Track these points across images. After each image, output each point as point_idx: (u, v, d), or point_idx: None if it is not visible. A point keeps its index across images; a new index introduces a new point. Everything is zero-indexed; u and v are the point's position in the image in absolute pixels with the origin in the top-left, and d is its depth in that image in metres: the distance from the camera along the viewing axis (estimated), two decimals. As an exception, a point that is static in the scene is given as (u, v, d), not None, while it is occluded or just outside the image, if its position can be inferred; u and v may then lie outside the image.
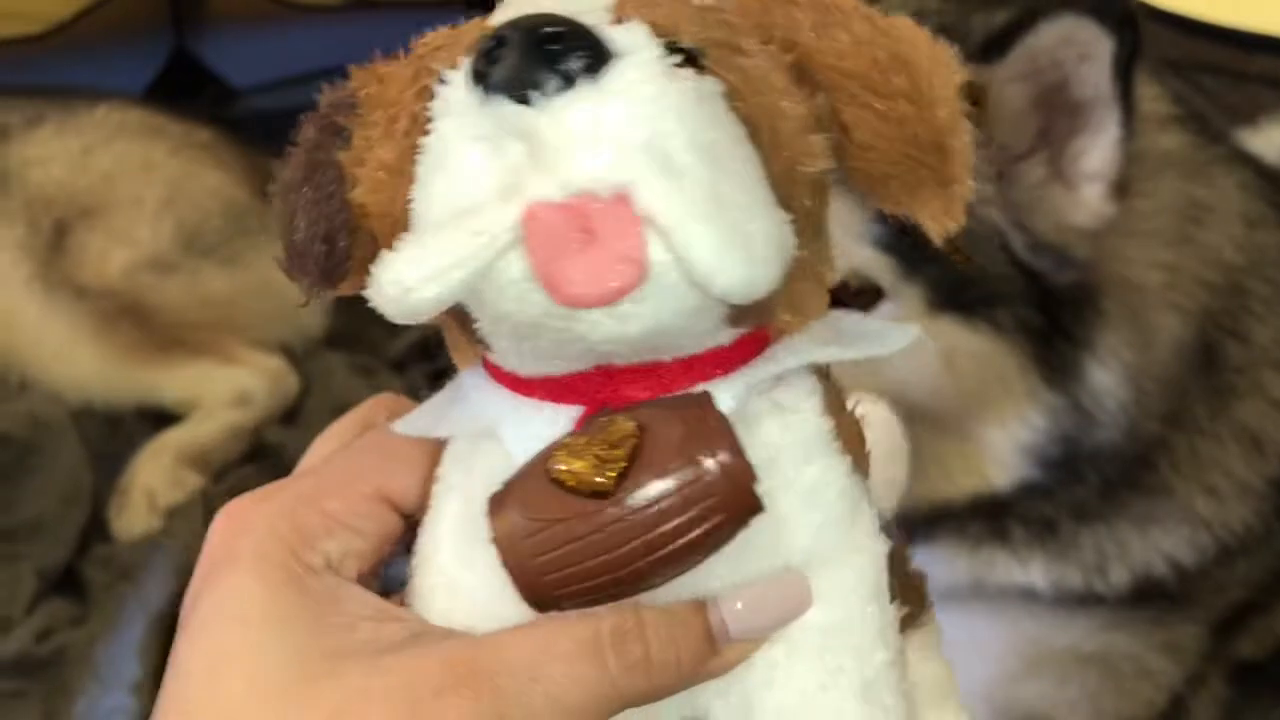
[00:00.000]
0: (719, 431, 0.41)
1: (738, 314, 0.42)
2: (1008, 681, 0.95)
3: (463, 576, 0.45)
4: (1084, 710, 0.96)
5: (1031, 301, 0.83)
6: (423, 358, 1.73)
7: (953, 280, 0.81)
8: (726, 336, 0.43)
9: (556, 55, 0.39)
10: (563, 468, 0.41)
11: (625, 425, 0.41)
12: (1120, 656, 0.94)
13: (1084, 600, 0.90)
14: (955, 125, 0.43)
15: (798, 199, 0.43)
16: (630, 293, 0.39)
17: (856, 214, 0.77)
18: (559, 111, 0.39)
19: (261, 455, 1.65)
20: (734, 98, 0.41)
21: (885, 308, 0.82)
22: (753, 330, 0.44)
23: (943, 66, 0.43)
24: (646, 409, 0.42)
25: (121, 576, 1.45)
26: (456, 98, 0.42)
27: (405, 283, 0.42)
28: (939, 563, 0.89)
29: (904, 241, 0.79)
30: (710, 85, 0.41)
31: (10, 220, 1.69)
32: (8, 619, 1.38)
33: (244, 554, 0.44)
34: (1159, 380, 0.86)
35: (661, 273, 0.39)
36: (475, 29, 0.44)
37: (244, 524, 0.45)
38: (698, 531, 0.40)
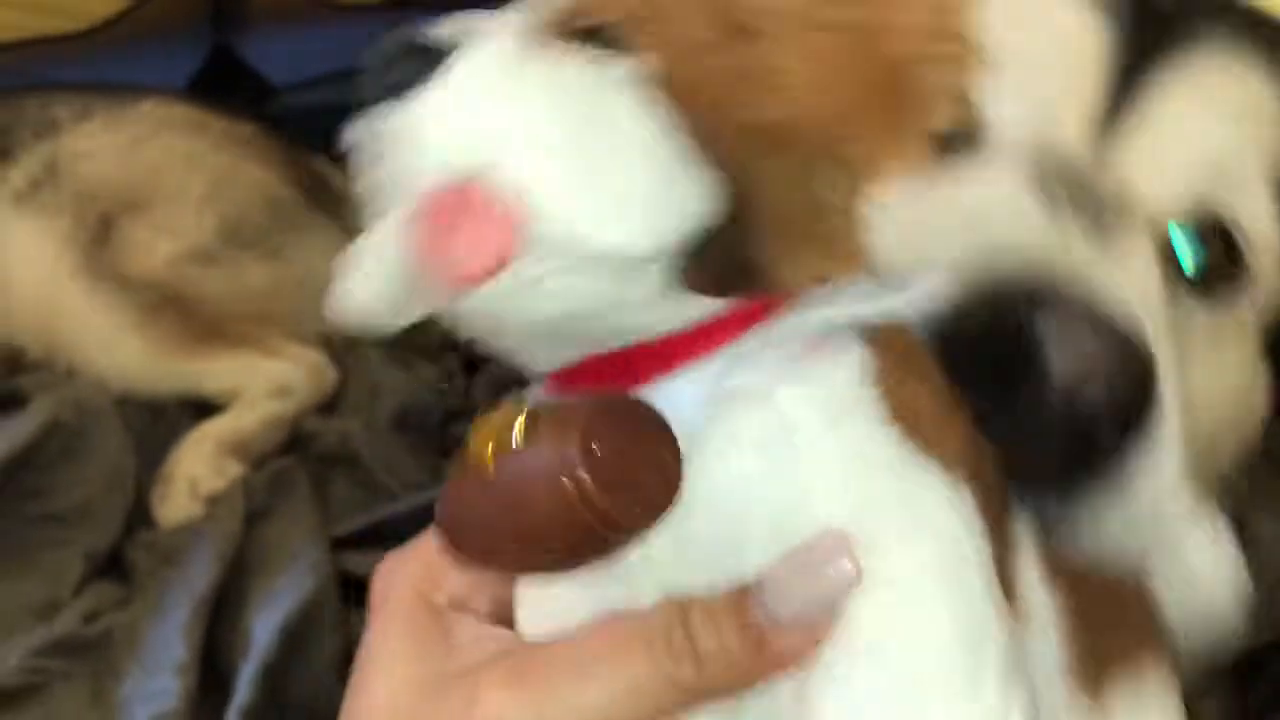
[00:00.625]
0: (584, 440, 0.40)
1: (694, 280, 0.41)
2: None
3: (530, 588, 0.49)
4: None
5: None
6: (457, 347, 1.75)
7: None
8: (696, 310, 0.43)
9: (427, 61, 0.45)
10: (469, 445, 0.45)
11: (516, 410, 0.43)
12: None
13: None
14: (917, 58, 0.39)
15: (749, 152, 0.41)
16: (511, 259, 0.41)
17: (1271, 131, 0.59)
18: (420, 108, 0.44)
19: (301, 445, 1.68)
20: (643, 68, 0.42)
21: None
22: (749, 300, 0.43)
23: None
24: (571, 401, 0.44)
25: (165, 561, 1.47)
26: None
27: (357, 307, 0.48)
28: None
29: None
30: (594, 63, 0.42)
31: (58, 212, 1.72)
32: (56, 601, 1.40)
33: (388, 600, 0.53)
34: None
35: (543, 240, 0.41)
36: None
37: (389, 575, 0.54)
38: (560, 525, 0.41)
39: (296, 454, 1.66)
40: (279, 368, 1.75)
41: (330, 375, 1.76)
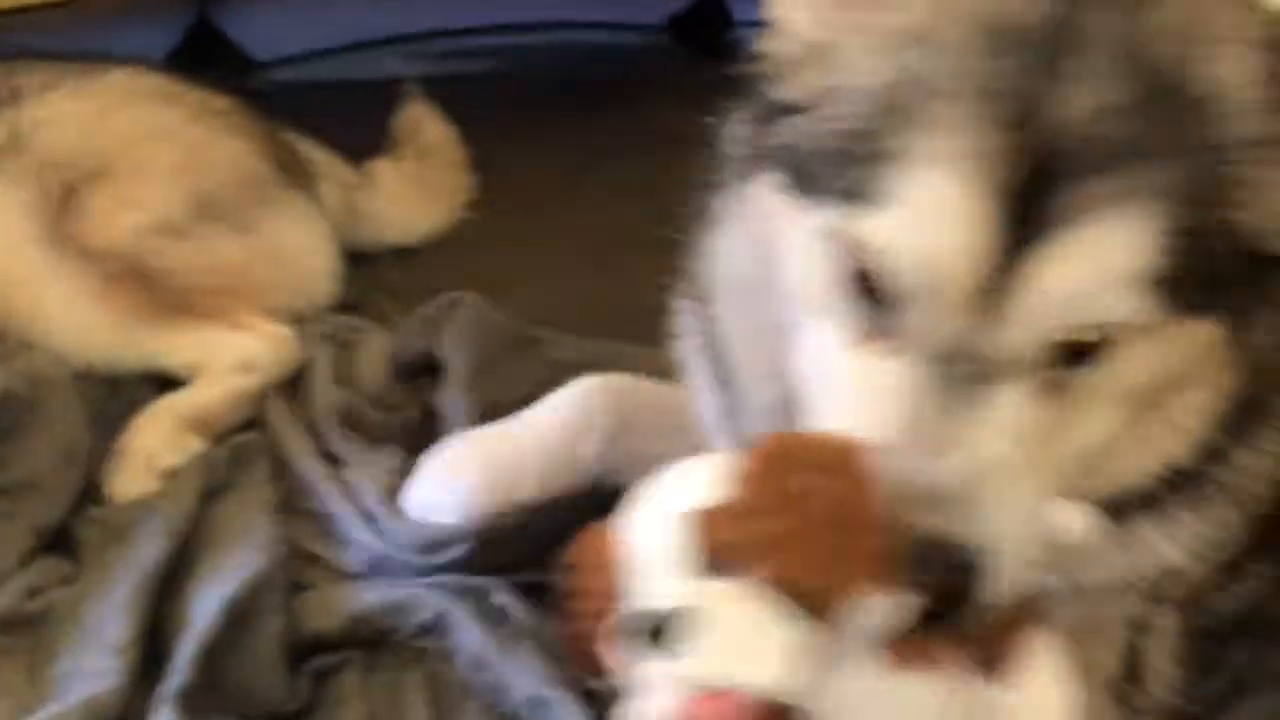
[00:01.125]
0: None
1: None
2: None
3: None
4: None
5: (1249, 279, 0.82)
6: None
7: (1194, 284, 0.79)
8: None
9: None
10: None
11: None
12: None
13: None
14: None
15: None
16: None
17: (1128, 254, 0.76)
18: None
19: (263, 421, 1.64)
20: None
21: (1129, 352, 0.82)
22: None
23: None
24: None
25: (114, 538, 1.43)
26: None
27: None
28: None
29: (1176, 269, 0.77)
30: None
31: (20, 181, 1.68)
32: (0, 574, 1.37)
33: None
34: None
35: None
36: None
37: None
38: None
39: (259, 430, 1.61)
40: (244, 342, 1.71)
41: (295, 350, 1.72)
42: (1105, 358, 0.80)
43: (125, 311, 1.66)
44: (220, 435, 1.61)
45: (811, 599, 0.70)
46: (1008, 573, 0.78)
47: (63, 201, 1.68)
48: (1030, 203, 0.75)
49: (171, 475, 1.53)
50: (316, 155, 1.97)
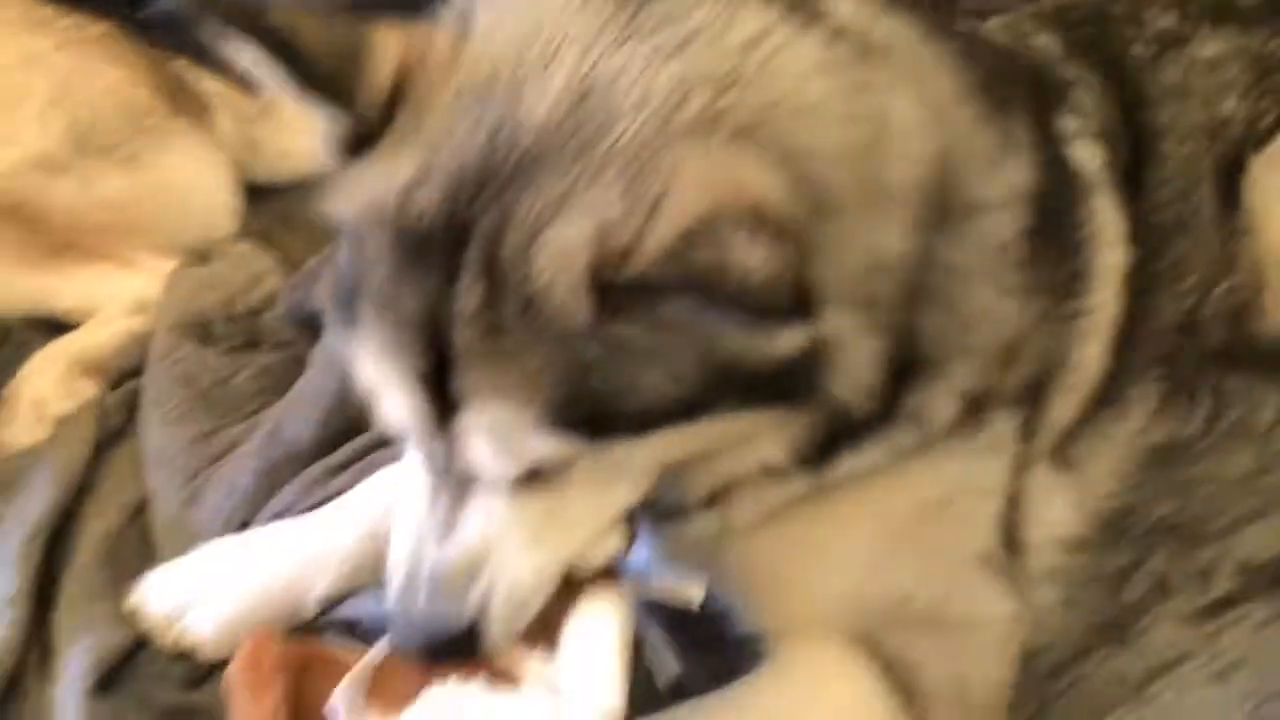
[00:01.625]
0: None
1: None
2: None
3: None
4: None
5: (739, 392, 0.88)
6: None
7: (656, 414, 0.87)
8: None
9: None
10: None
11: None
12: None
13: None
14: None
15: None
16: None
17: (527, 421, 0.85)
18: None
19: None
20: None
21: (586, 461, 0.90)
22: None
23: None
24: None
25: (2, 488, 1.37)
26: None
27: None
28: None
29: (582, 420, 0.86)
30: None
31: (-118, 117, 1.58)
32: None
33: None
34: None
35: None
36: None
37: None
38: None
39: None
40: (136, 282, 1.64)
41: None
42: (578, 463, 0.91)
43: (8, 254, 1.58)
44: (113, 379, 1.55)
45: None
46: (502, 627, 0.94)
47: (-71, 139, 1.58)
48: (444, 378, 0.86)
49: (63, 422, 1.47)
50: (211, 86, 1.87)
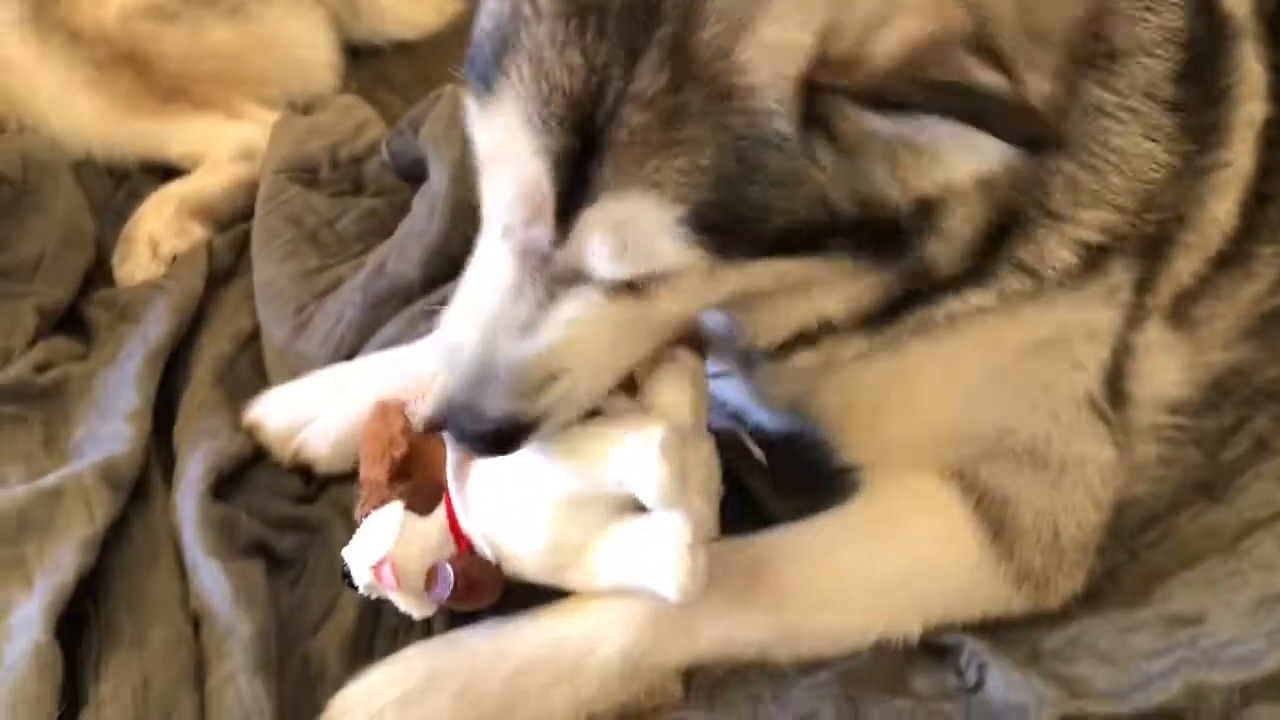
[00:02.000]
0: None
1: None
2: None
3: None
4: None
5: (853, 232, 0.88)
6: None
7: (777, 242, 0.86)
8: None
9: None
10: None
11: None
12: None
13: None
14: None
15: None
16: None
17: (666, 223, 0.83)
18: None
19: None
20: None
21: (690, 275, 0.89)
22: None
23: None
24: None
25: (123, 317, 1.43)
26: None
27: None
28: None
29: (716, 230, 0.84)
30: None
31: (0, -36, 1.62)
32: (7, 351, 1.37)
33: None
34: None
35: None
36: None
37: None
38: None
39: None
40: (244, 130, 1.68)
41: None
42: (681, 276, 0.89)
43: (119, 100, 1.63)
44: (223, 223, 1.59)
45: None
46: (561, 423, 0.94)
47: (47, -15, 1.63)
48: (585, 161, 0.83)
49: (176, 260, 1.52)
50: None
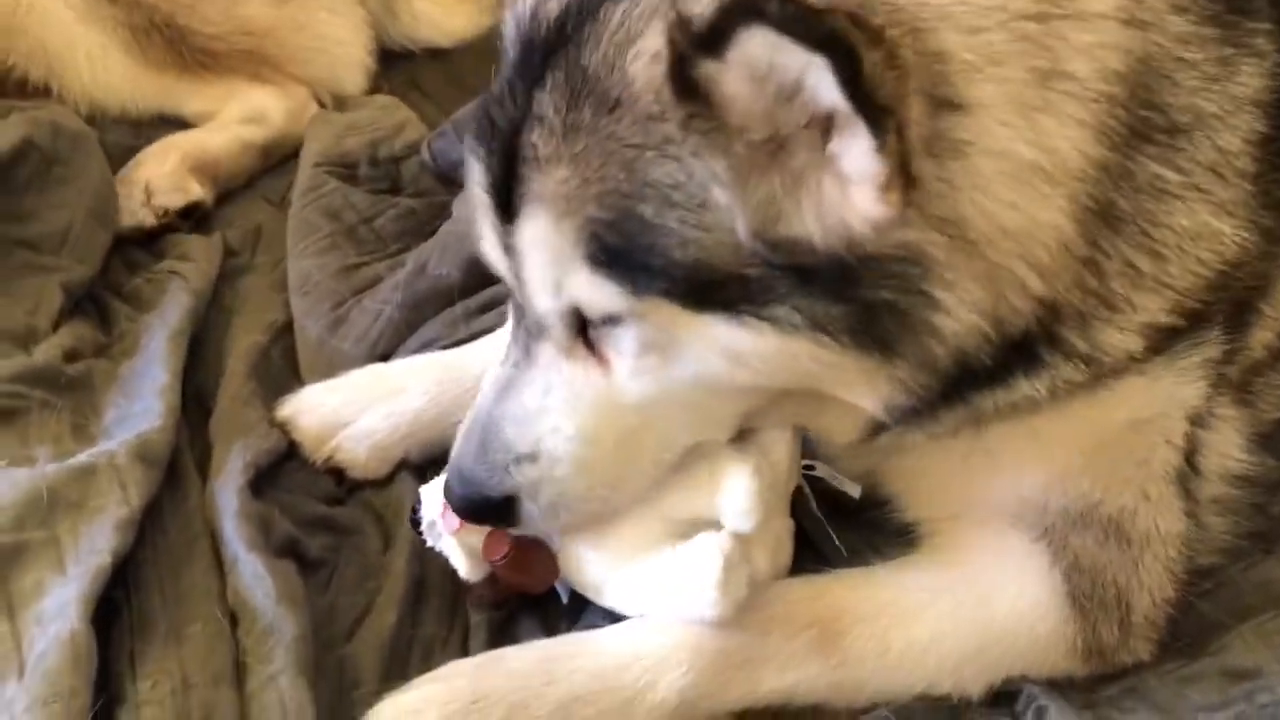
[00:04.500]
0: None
1: None
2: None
3: None
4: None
5: (817, 295, 0.85)
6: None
7: (694, 283, 0.84)
8: None
9: None
10: None
11: None
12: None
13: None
14: None
15: None
16: None
17: (568, 241, 0.85)
18: None
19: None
20: None
21: (628, 330, 0.88)
22: None
23: None
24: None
25: (143, 307, 1.39)
26: None
27: None
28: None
29: (619, 256, 0.84)
30: None
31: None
32: (33, 330, 1.33)
33: None
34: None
35: None
36: None
37: None
38: None
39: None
40: (257, 95, 1.66)
41: (310, 110, 1.68)
42: (620, 330, 0.90)
43: (150, 65, 1.61)
44: (223, 191, 1.58)
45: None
46: (544, 511, 0.97)
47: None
48: (510, 188, 0.87)
49: (169, 216, 1.51)
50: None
